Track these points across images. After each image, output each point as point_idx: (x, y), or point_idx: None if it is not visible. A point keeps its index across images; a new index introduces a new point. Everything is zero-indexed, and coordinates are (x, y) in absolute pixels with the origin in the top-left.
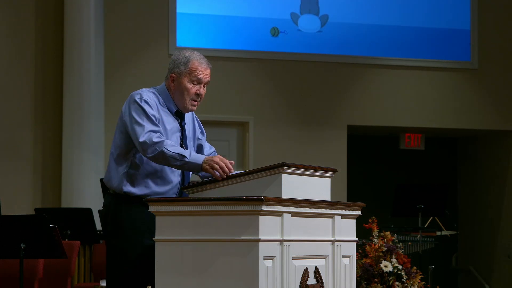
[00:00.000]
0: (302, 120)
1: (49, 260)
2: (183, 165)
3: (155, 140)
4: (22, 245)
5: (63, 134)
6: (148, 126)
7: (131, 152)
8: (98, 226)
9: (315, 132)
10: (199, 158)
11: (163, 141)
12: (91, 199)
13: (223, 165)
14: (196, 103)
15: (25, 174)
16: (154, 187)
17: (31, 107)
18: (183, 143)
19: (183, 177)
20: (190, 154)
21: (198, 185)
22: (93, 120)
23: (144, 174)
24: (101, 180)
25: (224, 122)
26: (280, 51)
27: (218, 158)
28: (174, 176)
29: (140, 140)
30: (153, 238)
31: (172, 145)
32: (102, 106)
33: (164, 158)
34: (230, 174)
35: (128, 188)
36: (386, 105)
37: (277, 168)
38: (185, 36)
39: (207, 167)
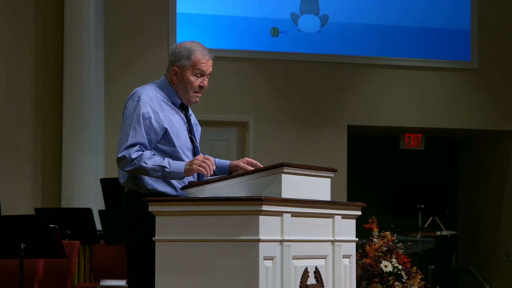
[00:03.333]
0: (302, 120)
1: (49, 260)
2: (166, 175)
3: (133, 156)
4: (22, 245)
5: (63, 134)
6: (131, 139)
7: None
8: (98, 226)
9: (315, 132)
10: (180, 166)
11: (141, 154)
12: (91, 199)
13: (209, 163)
14: (199, 94)
15: (25, 174)
16: (174, 182)
17: (31, 107)
18: (192, 135)
19: None
20: (170, 164)
21: (198, 185)
22: (93, 120)
23: None
24: (101, 180)
25: (224, 122)
26: (280, 51)
27: (200, 158)
28: None
29: (119, 155)
30: (153, 238)
31: (149, 158)
32: (102, 106)
33: (144, 171)
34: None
35: (152, 185)
36: (386, 105)
37: (277, 168)
38: (185, 36)
39: (189, 167)
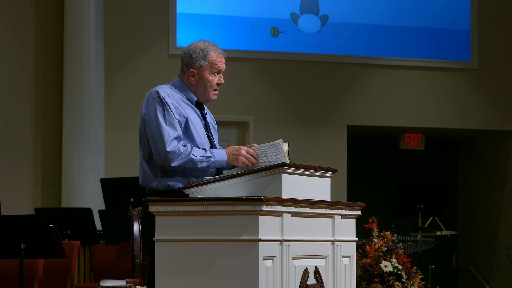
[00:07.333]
0: (302, 120)
1: (49, 260)
2: (210, 165)
3: (182, 150)
4: (22, 245)
5: (63, 134)
6: (173, 133)
7: None
8: (98, 226)
9: (315, 132)
10: (222, 154)
11: (186, 147)
12: (91, 199)
13: (251, 158)
14: (217, 92)
15: (25, 174)
16: (191, 176)
17: (31, 107)
18: (209, 132)
19: None
20: (213, 153)
21: (198, 185)
22: (93, 120)
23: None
24: (101, 180)
25: (224, 122)
26: (280, 51)
27: (243, 151)
28: None
29: (168, 149)
30: (153, 238)
31: (194, 150)
32: (102, 106)
33: (193, 163)
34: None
35: (171, 182)
36: (386, 105)
37: (277, 168)
38: (185, 36)
39: (235, 158)
